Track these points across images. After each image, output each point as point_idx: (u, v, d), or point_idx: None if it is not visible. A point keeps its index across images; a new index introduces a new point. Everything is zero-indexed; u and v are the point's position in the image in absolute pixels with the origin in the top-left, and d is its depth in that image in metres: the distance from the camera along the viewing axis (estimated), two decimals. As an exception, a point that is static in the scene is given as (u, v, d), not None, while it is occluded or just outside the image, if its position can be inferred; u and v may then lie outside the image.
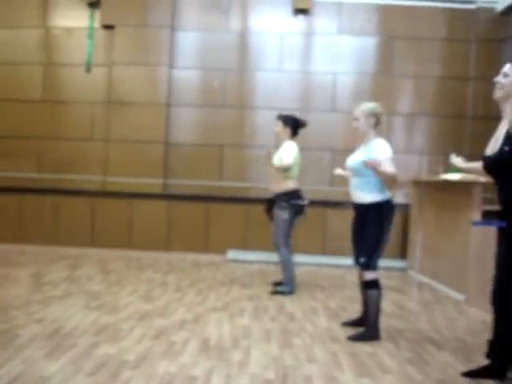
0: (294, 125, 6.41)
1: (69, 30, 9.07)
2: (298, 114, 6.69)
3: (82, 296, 5.66)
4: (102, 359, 3.77)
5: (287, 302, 5.86)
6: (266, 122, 8.43)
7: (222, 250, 8.58)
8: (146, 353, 3.96)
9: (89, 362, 3.72)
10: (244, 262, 8.35)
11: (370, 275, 4.64)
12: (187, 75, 8.94)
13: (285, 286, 6.29)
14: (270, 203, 6.38)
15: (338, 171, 5.27)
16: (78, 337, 4.26)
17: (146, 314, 5.03)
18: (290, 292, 6.24)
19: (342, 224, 7.01)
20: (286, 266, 6.28)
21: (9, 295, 5.58)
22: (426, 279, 7.46)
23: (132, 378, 3.47)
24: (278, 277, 6.65)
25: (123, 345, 4.11)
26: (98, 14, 8.96)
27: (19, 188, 8.88)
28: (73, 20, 9.06)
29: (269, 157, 6.43)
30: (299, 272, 6.74)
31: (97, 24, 8.99)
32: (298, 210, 6.26)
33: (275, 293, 6.23)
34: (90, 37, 8.98)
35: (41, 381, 3.34)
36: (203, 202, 8.69)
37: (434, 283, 7.16)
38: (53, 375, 3.44)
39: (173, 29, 8.86)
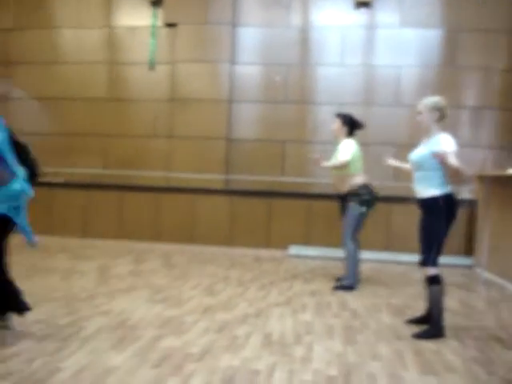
0: (351, 124, 6.37)
1: (132, 29, 9.23)
2: (356, 114, 6.56)
3: (146, 289, 5.76)
4: (166, 352, 3.82)
5: (350, 298, 5.80)
6: (328, 117, 8.30)
7: (283, 245, 8.57)
8: (209, 346, 3.98)
9: (153, 354, 3.77)
10: (306, 257, 8.31)
11: (430, 271, 4.54)
12: (249, 71, 8.95)
13: (347, 280, 6.24)
14: (343, 201, 6.36)
15: (390, 161, 5.20)
16: (142, 329, 4.34)
17: (209, 308, 5.07)
18: (352, 286, 6.18)
19: (407, 220, 6.89)
20: (351, 260, 6.23)
21: (75, 288, 5.73)
22: (492, 277, 7.24)
23: (195, 370, 3.50)
24: (341, 272, 6.59)
25: (187, 338, 4.16)
26: (160, 13, 9.08)
27: (86, 184, 9.13)
28: (136, 19, 9.22)
29: (318, 161, 6.37)
30: (362, 268, 6.65)
31: (160, 22, 9.11)
32: (369, 204, 6.20)
33: (338, 288, 6.18)
34: (154, 35, 9.10)
35: (106, 372, 3.41)
36: (265, 198, 8.69)
37: (502, 281, 6.94)
38: (118, 366, 3.51)
39: (234, 25, 8.89)
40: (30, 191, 4.08)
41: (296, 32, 8.87)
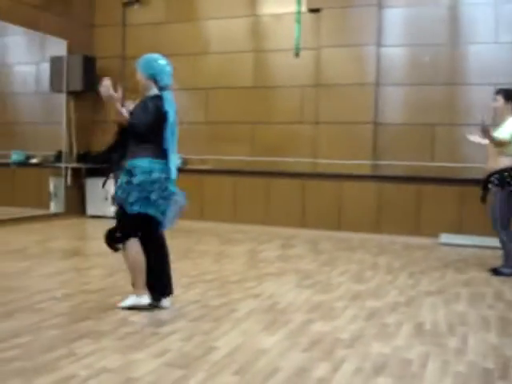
0: None
1: (277, 17, 9.30)
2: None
3: (294, 274, 5.81)
4: (316, 336, 3.82)
5: (506, 288, 5.47)
6: (481, 98, 7.89)
7: (434, 233, 8.25)
8: (359, 333, 3.94)
9: (303, 338, 3.78)
10: (458, 246, 7.96)
11: None
12: (396, 53, 8.69)
13: (505, 268, 5.90)
14: (485, 184, 5.98)
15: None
16: (292, 313, 4.37)
17: (358, 295, 5.01)
18: (510, 274, 5.85)
19: None
20: (506, 248, 5.89)
21: (226, 270, 5.92)
22: None
23: (346, 356, 3.46)
24: (497, 262, 6.25)
25: (336, 323, 4.13)
26: (304, -1, 9.08)
27: (234, 170, 9.37)
28: (280, 6, 9.27)
29: (482, 135, 5.97)
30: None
31: (304, 8, 9.09)
32: None
33: (495, 273, 5.88)
34: (298, 21, 9.11)
35: (259, 353, 3.47)
36: (414, 183, 8.42)
37: None
38: (270, 348, 3.56)
39: (380, 7, 8.67)
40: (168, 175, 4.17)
41: (444, 10, 8.46)
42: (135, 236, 4.19)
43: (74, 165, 9.83)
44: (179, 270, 5.82)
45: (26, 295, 4.68)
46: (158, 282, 4.34)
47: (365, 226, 8.60)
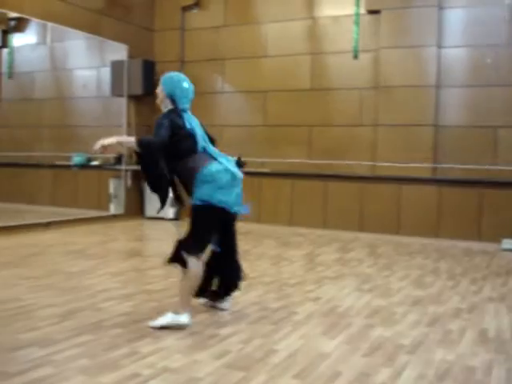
0: None
1: (335, 19, 9.24)
2: None
3: (353, 278, 5.76)
4: (377, 341, 3.77)
5: None
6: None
7: (495, 238, 8.02)
8: (421, 339, 3.86)
9: (364, 342, 3.74)
10: (521, 251, 7.74)
11: None
12: (457, 54, 8.51)
13: None
14: None
15: None
16: (352, 317, 4.33)
17: (419, 300, 4.92)
18: None
19: None
20: None
21: (285, 273, 5.91)
22: None
23: (408, 362, 3.40)
24: None
25: (398, 329, 4.07)
26: (362, 0, 8.98)
27: (292, 173, 9.36)
28: (338, 8, 9.21)
29: None
30: None
31: (362, 10, 9.01)
32: None
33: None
34: (357, 23, 9.03)
35: (319, 357, 3.45)
36: (475, 187, 8.21)
37: None
38: (330, 352, 3.53)
39: (440, 7, 8.50)
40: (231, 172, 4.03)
41: (506, 10, 8.20)
42: (202, 251, 3.98)
43: (134, 167, 10.00)
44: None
45: (87, 294, 4.78)
46: (228, 280, 4.36)
47: (424, 230, 8.44)
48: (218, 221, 4.04)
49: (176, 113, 4.03)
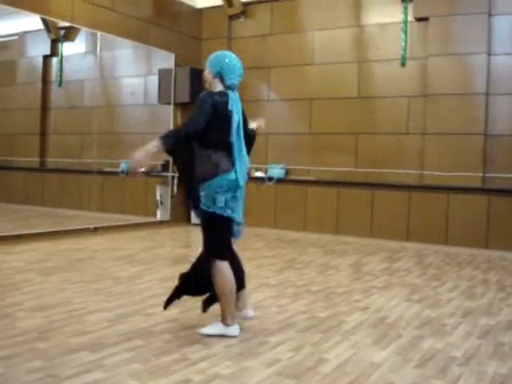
0: None
1: (382, 26, 9.18)
2: None
3: (402, 288, 5.68)
4: (428, 352, 3.71)
5: None
6: None
7: (547, 249, 7.86)
8: (473, 351, 3.78)
9: (415, 354, 3.68)
10: None
11: None
12: (507, 62, 8.35)
13: None
14: None
15: None
16: (402, 328, 4.27)
17: (470, 312, 4.83)
18: None
19: None
20: None
21: (332, 282, 5.87)
22: None
23: (461, 374, 3.34)
24: None
25: (449, 340, 4.00)
26: (411, 8, 8.89)
27: (337, 181, 9.32)
28: (386, 16, 9.15)
29: None
30: None
31: (410, 17, 8.93)
32: None
33: None
34: (404, 31, 8.96)
35: (370, 367, 3.41)
36: (526, 197, 8.06)
37: None
38: (381, 363, 3.48)
39: (490, 14, 8.36)
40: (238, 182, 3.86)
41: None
42: (224, 256, 3.88)
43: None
44: (285, 280, 5.87)
45: (136, 300, 4.83)
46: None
47: (473, 241, 8.28)
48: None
49: (223, 95, 3.85)
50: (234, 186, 3.84)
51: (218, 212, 3.80)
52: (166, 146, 3.67)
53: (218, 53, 3.98)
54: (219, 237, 3.89)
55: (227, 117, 3.82)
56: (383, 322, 4.41)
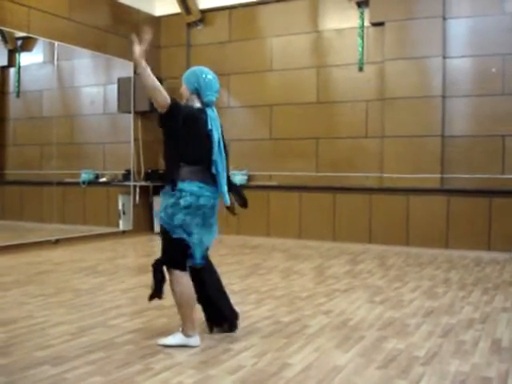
0: None
1: (339, 32, 9.29)
2: None
3: (364, 290, 5.73)
4: (391, 353, 3.75)
5: None
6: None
7: (506, 247, 8.00)
8: (435, 350, 3.83)
9: (378, 355, 3.71)
10: (532, 260, 7.70)
11: None
12: (462, 64, 8.53)
13: None
14: None
15: None
16: (365, 330, 4.30)
17: (432, 311, 4.90)
18: None
19: None
20: None
21: (295, 286, 5.89)
22: None
23: (424, 374, 3.38)
24: None
25: (412, 340, 4.04)
26: (367, 13, 9.02)
27: (299, 186, 9.38)
28: (343, 21, 9.27)
29: None
30: None
31: (366, 22, 9.05)
32: None
33: None
34: (361, 36, 9.07)
35: (334, 370, 3.43)
36: (484, 197, 8.19)
37: None
38: (344, 365, 3.51)
39: (444, 18, 8.52)
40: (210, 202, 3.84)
41: (511, 19, 8.21)
42: (182, 266, 3.84)
43: (142, 183, 10.03)
44: (249, 286, 5.86)
45: (99, 311, 4.77)
46: (217, 313, 4.15)
47: (434, 241, 8.42)
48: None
49: (201, 112, 3.85)
50: (211, 204, 3.85)
51: (167, 229, 3.81)
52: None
53: (195, 69, 3.97)
54: (172, 246, 3.85)
55: (206, 135, 3.82)
56: (346, 325, 4.43)
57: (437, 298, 5.44)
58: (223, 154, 3.92)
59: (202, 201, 3.75)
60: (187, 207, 3.72)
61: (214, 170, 3.83)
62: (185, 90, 3.94)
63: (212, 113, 3.91)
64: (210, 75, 3.92)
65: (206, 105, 3.90)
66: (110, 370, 3.39)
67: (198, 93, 3.88)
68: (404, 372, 3.41)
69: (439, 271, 6.90)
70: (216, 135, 3.86)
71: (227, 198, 3.88)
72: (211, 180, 3.84)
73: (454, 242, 8.34)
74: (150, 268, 3.96)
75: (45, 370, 3.37)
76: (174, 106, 3.75)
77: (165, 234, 3.85)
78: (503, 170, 8.20)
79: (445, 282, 6.25)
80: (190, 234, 3.77)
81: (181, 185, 3.74)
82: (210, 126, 3.84)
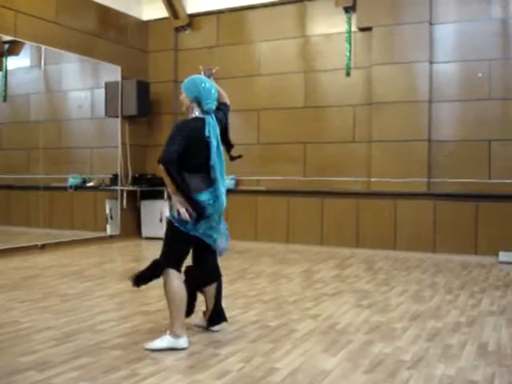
0: None
1: (327, 37, 9.33)
2: None
3: (352, 294, 5.75)
4: (377, 357, 3.76)
5: None
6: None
7: (492, 251, 8.05)
8: (421, 354, 3.85)
9: (365, 359, 3.73)
10: (518, 264, 7.75)
11: None
12: (448, 69, 8.58)
13: None
14: None
15: None
16: (352, 334, 4.31)
17: (418, 315, 4.91)
18: None
19: None
20: None
21: (283, 291, 5.89)
22: None
23: (410, 378, 3.39)
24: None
25: (398, 344, 4.06)
26: (354, 18, 9.06)
27: (287, 191, 9.39)
28: (330, 26, 9.30)
29: None
30: None
31: (354, 27, 9.09)
32: None
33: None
34: (349, 41, 9.11)
35: (320, 374, 3.43)
36: (471, 201, 8.24)
37: None
38: (331, 370, 3.51)
39: (431, 23, 8.58)
40: (221, 205, 4.04)
41: (497, 24, 8.29)
42: (178, 266, 4.01)
43: (130, 187, 10.00)
44: (236, 290, 5.86)
45: (85, 316, 4.75)
46: (214, 312, 4.32)
47: (421, 245, 8.45)
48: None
49: (198, 121, 3.97)
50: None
51: (176, 224, 3.93)
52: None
53: (194, 78, 4.08)
54: (174, 247, 4.01)
55: (205, 142, 3.93)
56: (333, 329, 4.44)
57: (423, 301, 5.46)
58: (223, 161, 4.06)
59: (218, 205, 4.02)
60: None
61: (212, 175, 3.99)
62: (185, 98, 4.06)
63: (211, 120, 4.01)
64: (208, 83, 4.04)
65: (205, 112, 4.01)
66: (97, 375, 3.38)
67: (198, 101, 4.00)
68: (390, 376, 3.42)
69: (426, 275, 6.93)
70: (214, 142, 3.97)
71: (223, 200, 4.05)
72: (211, 184, 4.01)
73: (440, 246, 8.38)
74: (151, 261, 4.07)
75: (30, 376, 3.35)
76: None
77: (169, 230, 4.04)
78: (489, 174, 8.25)
79: (432, 285, 6.28)
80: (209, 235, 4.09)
81: (198, 196, 3.91)
82: (207, 133, 3.94)
